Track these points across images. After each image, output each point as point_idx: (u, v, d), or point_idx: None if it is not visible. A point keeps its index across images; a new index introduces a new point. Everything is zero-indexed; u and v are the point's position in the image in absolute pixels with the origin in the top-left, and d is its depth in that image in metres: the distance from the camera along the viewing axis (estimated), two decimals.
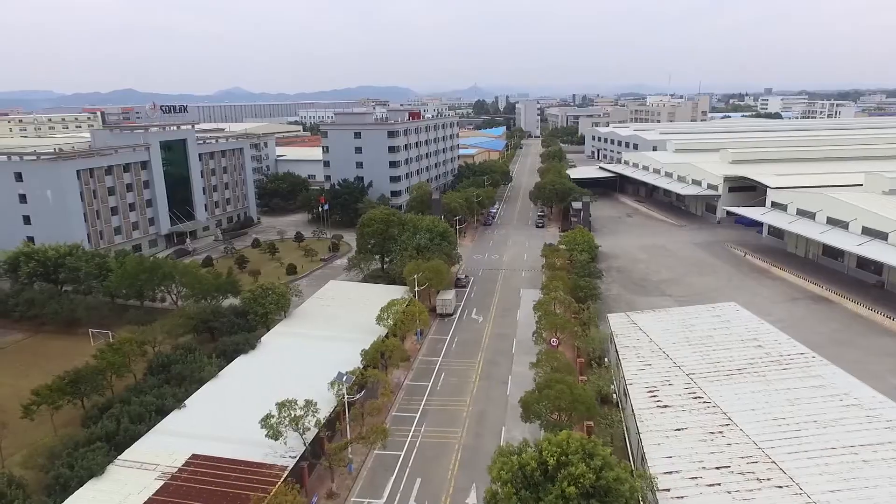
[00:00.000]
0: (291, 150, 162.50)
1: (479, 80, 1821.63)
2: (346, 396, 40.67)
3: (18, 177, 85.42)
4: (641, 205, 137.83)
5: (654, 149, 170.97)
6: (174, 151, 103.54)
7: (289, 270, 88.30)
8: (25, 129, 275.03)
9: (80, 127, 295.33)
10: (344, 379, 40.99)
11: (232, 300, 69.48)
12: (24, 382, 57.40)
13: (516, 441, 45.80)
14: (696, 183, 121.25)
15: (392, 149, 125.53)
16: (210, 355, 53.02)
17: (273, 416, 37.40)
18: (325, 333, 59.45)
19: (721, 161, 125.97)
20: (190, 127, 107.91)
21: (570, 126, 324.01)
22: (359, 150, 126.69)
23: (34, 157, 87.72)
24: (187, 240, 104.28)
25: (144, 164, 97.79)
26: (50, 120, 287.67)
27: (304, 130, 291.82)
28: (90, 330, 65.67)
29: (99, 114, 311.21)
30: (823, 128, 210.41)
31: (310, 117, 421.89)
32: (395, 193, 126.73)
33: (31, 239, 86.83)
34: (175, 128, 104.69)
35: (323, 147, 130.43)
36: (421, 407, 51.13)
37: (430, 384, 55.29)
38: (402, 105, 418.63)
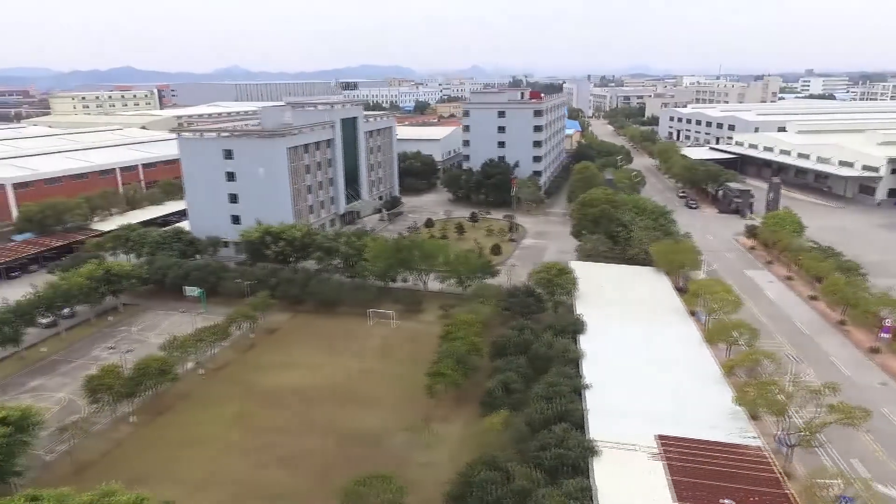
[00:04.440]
0: (405, 130, 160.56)
1: (478, 60, 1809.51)
2: (791, 376, 40.39)
3: (228, 154, 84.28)
4: None
5: (756, 129, 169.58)
6: (347, 129, 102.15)
7: (493, 251, 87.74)
8: (88, 107, 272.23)
9: (137, 105, 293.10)
10: None
11: (489, 280, 69.18)
12: (341, 361, 57.38)
13: None
14: (846, 164, 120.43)
15: (537, 128, 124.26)
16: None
17: (752, 395, 37.33)
18: (631, 313, 59.18)
19: (867, 142, 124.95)
20: (360, 105, 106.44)
21: (626, 106, 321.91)
22: (501, 129, 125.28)
23: (245, 135, 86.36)
24: (368, 217, 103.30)
25: (328, 143, 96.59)
26: (111, 97, 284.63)
27: None
28: (368, 310, 65.52)
29: (155, 91, 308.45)
30: None
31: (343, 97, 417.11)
32: (536, 173, 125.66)
33: (235, 218, 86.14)
34: (350, 105, 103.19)
35: (463, 126, 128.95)
36: None
37: None
38: (437, 83, 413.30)
